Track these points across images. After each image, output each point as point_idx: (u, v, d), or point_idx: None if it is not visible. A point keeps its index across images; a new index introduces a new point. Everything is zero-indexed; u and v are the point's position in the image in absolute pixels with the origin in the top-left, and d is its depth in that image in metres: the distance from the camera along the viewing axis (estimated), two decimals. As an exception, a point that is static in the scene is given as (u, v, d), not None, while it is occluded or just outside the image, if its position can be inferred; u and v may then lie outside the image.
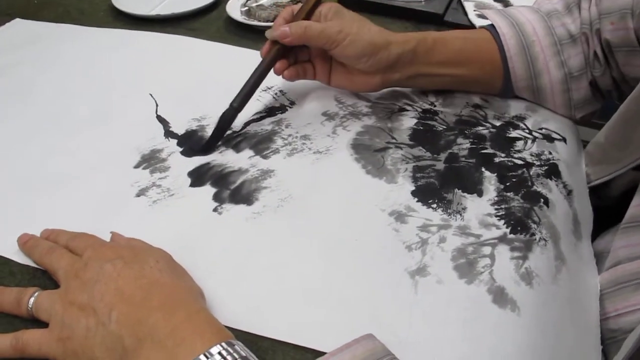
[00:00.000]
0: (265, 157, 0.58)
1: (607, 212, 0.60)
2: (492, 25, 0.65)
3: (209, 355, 0.35)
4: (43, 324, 0.42)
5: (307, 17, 0.61)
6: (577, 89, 0.63)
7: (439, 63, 0.62)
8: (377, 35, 0.59)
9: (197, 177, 0.56)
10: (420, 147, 0.59)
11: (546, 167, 0.57)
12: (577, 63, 0.62)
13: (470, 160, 0.58)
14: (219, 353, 0.35)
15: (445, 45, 0.62)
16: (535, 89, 0.64)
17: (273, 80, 0.65)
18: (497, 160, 0.58)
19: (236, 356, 0.35)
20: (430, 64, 0.62)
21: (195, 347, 0.36)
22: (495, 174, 0.56)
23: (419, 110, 0.65)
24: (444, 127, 0.62)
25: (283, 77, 0.62)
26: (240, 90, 0.59)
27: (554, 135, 0.62)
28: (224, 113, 0.59)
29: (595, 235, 0.59)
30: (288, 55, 0.62)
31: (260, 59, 0.61)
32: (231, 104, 0.59)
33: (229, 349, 0.36)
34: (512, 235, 0.50)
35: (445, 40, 0.63)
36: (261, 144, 0.60)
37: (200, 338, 0.36)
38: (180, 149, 0.59)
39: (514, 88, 0.64)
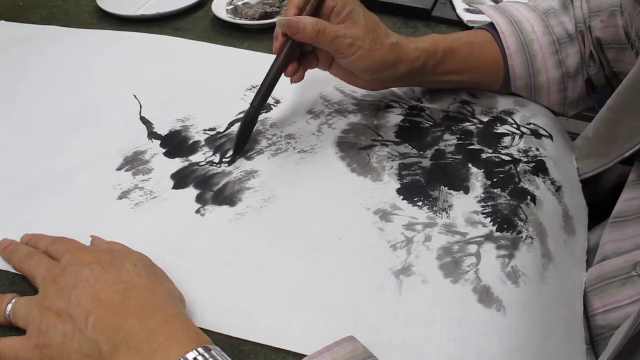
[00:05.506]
0: (249, 158, 0.57)
1: (598, 206, 0.59)
2: (490, 24, 0.64)
3: (184, 361, 0.34)
4: (22, 331, 0.41)
5: (318, 6, 0.55)
6: (572, 88, 0.62)
7: (444, 73, 0.61)
8: (388, 54, 0.55)
9: (180, 179, 0.55)
10: (407, 144, 0.59)
11: (533, 164, 0.56)
12: (574, 62, 0.61)
13: (457, 157, 0.57)
14: (195, 359, 0.34)
15: (453, 55, 0.60)
16: (532, 88, 0.63)
17: (258, 78, 0.64)
18: (484, 156, 0.57)
19: (212, 361, 0.35)
20: (435, 74, 0.61)
21: (171, 352, 0.35)
22: (482, 170, 0.55)
23: (406, 107, 0.64)
24: (431, 123, 0.61)
25: (291, 82, 0.57)
26: (259, 89, 0.56)
27: (541, 132, 0.61)
28: (245, 115, 0.57)
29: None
30: (296, 49, 0.56)
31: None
32: (251, 104, 0.56)
33: (205, 354, 0.35)
34: (498, 233, 0.49)
35: (454, 49, 0.60)
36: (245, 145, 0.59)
37: (176, 343, 0.36)
38: (164, 150, 0.59)
39: (512, 86, 0.64)
